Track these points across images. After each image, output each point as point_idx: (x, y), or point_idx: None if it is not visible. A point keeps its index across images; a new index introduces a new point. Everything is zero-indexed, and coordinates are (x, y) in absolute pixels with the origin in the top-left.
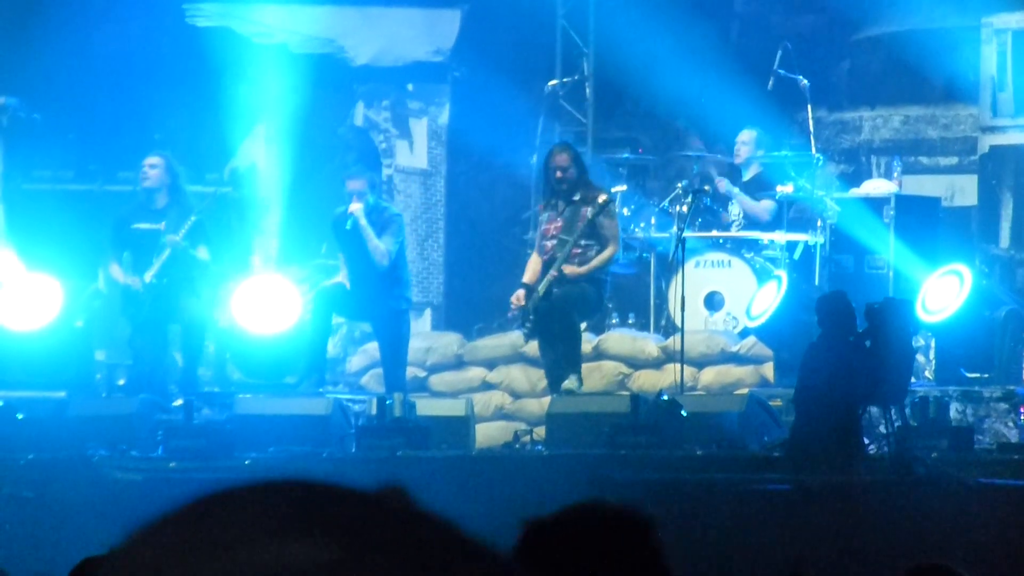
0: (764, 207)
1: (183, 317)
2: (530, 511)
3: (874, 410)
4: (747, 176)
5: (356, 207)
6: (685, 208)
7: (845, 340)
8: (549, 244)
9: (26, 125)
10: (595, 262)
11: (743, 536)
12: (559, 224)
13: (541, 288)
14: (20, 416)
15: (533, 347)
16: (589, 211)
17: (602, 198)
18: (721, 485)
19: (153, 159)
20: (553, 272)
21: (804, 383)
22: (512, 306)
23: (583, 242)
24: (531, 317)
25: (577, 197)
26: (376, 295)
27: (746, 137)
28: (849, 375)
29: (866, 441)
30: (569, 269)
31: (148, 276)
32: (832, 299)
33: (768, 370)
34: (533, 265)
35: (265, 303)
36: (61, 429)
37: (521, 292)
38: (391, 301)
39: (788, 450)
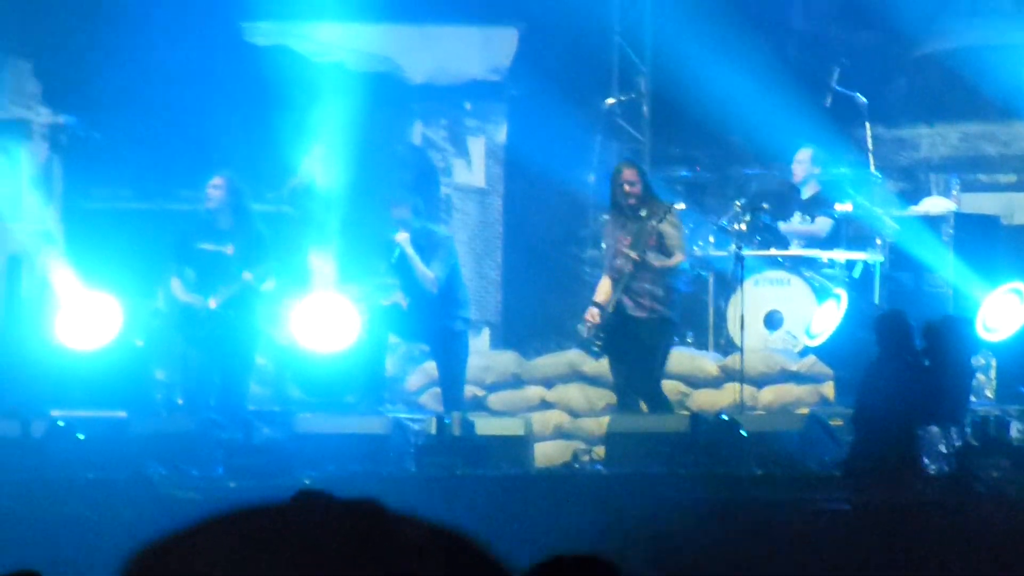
0: (820, 226)
1: (238, 345)
2: (588, 530)
3: (934, 429)
4: (806, 195)
5: (401, 237)
6: (744, 226)
7: (904, 359)
8: (618, 262)
9: (85, 144)
10: (663, 263)
11: (802, 556)
12: (628, 241)
13: (611, 306)
14: (80, 436)
15: (592, 366)
16: (655, 224)
17: (669, 212)
18: (780, 505)
19: (216, 180)
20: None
21: (863, 402)
22: (586, 324)
23: (651, 257)
24: (601, 335)
25: (644, 213)
26: (432, 316)
27: (802, 156)
28: (908, 394)
29: (926, 461)
30: (634, 256)
31: (213, 303)
32: (890, 318)
33: (828, 389)
34: (604, 285)
35: (323, 321)
36: (121, 448)
37: (595, 310)
38: (447, 321)
39: (847, 469)
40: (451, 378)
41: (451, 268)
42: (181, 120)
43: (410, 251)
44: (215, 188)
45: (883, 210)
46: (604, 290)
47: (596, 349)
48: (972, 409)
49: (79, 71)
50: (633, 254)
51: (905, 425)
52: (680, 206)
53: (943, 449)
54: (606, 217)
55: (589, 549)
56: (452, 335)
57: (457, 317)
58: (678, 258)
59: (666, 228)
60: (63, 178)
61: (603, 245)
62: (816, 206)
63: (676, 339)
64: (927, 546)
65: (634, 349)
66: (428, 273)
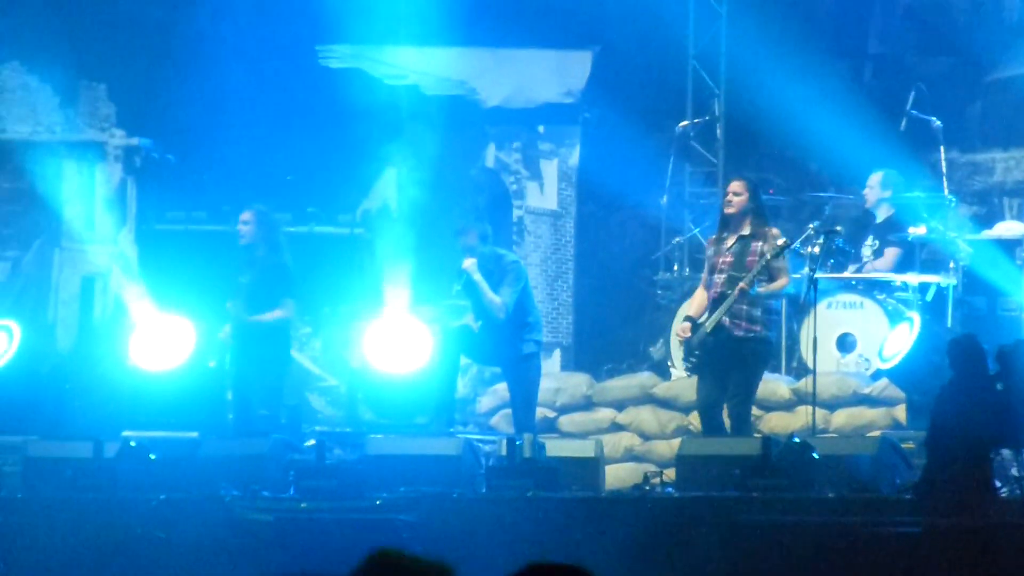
0: (887, 260)
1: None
2: (660, 553)
3: (1007, 453)
4: (879, 218)
5: (469, 263)
6: (817, 249)
7: (977, 383)
8: (719, 279)
9: (159, 166)
10: (769, 288)
11: None
12: (728, 259)
13: (710, 325)
14: (153, 456)
15: (663, 388)
16: (761, 247)
17: (781, 241)
18: (853, 528)
19: (245, 215)
20: (721, 315)
21: (936, 425)
22: (678, 338)
23: (755, 280)
24: (696, 352)
25: (747, 232)
26: (503, 339)
27: (874, 180)
28: (981, 418)
29: (997, 484)
30: (742, 285)
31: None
32: (963, 341)
33: (900, 412)
34: (699, 299)
35: (396, 343)
36: (193, 469)
37: (687, 325)
38: (519, 344)
39: (918, 493)
40: (522, 401)
41: (520, 292)
42: (256, 142)
43: (477, 277)
44: (243, 224)
45: (957, 234)
46: (698, 304)
47: (692, 363)
48: None
49: (154, 93)
50: (743, 283)
51: (978, 448)
52: None
53: (1015, 472)
54: (711, 237)
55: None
56: (523, 358)
57: (528, 340)
58: (783, 282)
59: (767, 248)
60: (137, 200)
61: (706, 256)
62: (889, 230)
63: (773, 360)
64: (998, 570)
65: (733, 369)
66: (496, 299)
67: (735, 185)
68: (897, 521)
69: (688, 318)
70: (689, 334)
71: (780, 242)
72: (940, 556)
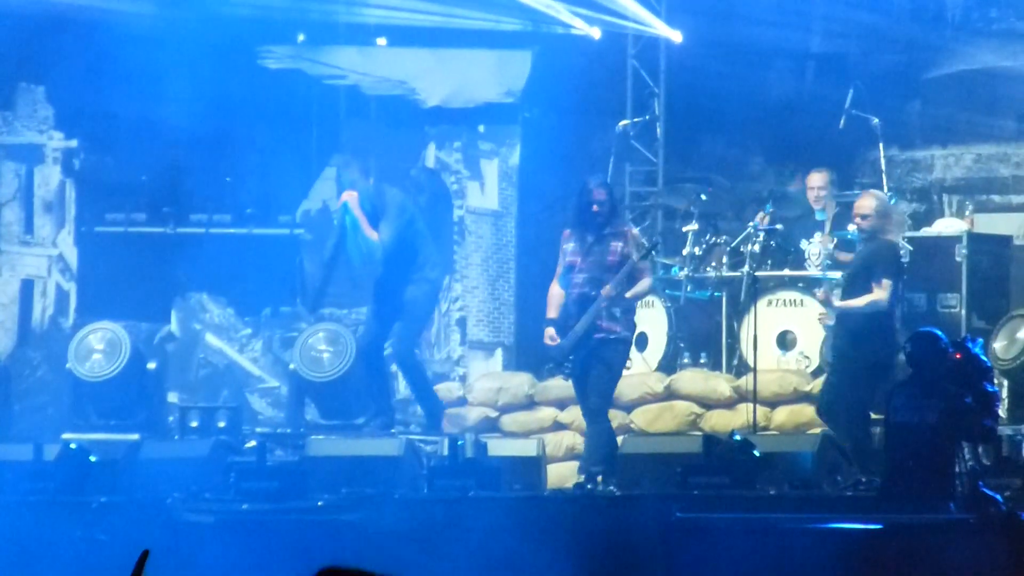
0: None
1: None
2: (602, 552)
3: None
4: (828, 218)
5: (349, 196)
6: (757, 247)
7: (937, 379)
8: (579, 278)
9: (98, 168)
10: (634, 290)
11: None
12: (589, 259)
13: (580, 328)
14: (93, 459)
15: None
16: (622, 247)
17: (644, 242)
18: (794, 525)
19: None
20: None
21: (896, 421)
22: (548, 344)
23: (619, 283)
24: (571, 357)
25: (607, 231)
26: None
27: (817, 179)
28: (942, 413)
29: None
30: (609, 289)
31: None
32: (923, 338)
33: None
34: (555, 298)
35: (322, 347)
36: (134, 472)
37: (552, 330)
38: (406, 284)
39: (884, 487)
40: (413, 329)
41: (404, 227)
42: (194, 144)
43: (357, 213)
44: None
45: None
46: (555, 303)
47: (568, 369)
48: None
49: (92, 95)
50: (610, 286)
51: (941, 444)
52: (693, 227)
53: (957, 468)
54: (567, 231)
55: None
56: (415, 295)
57: (418, 280)
58: (646, 283)
59: (631, 250)
60: (76, 202)
61: (561, 251)
62: (833, 228)
63: (682, 361)
64: (934, 565)
65: (594, 369)
66: (372, 234)
67: (598, 192)
68: (848, 517)
69: (550, 322)
70: (558, 340)
71: (644, 244)
72: (892, 551)
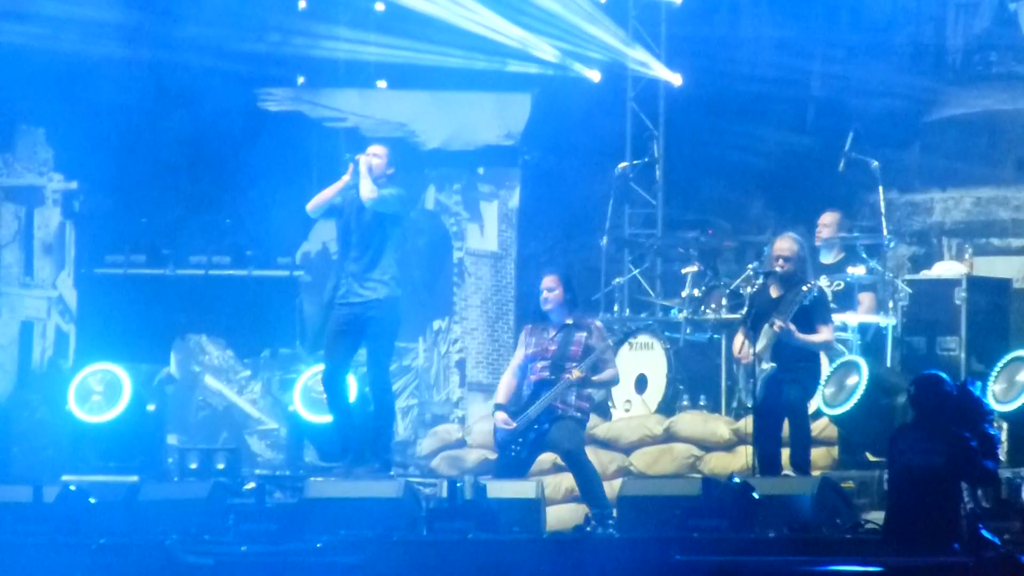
0: (868, 305)
1: None
2: None
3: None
4: (829, 260)
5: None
6: (756, 289)
7: (942, 422)
8: (539, 365)
9: (97, 210)
10: (600, 378)
11: None
12: (552, 348)
13: (536, 409)
14: (92, 500)
15: (603, 429)
16: (585, 338)
17: (611, 340)
18: (793, 568)
19: None
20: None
21: (900, 464)
22: (501, 427)
23: (582, 366)
24: (520, 440)
25: (570, 322)
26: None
27: (830, 219)
28: (947, 456)
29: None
30: (577, 373)
31: None
32: (932, 381)
33: (836, 451)
34: (507, 386)
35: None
36: (133, 513)
37: (506, 416)
38: (373, 290)
39: (888, 530)
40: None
41: (400, 204)
42: (194, 186)
43: (363, 170)
44: None
45: (896, 274)
46: (507, 391)
47: (515, 451)
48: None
49: (92, 137)
50: (578, 370)
51: (945, 486)
52: (693, 268)
53: (969, 507)
54: (528, 326)
55: None
56: (379, 303)
57: (381, 283)
58: (611, 373)
59: (594, 341)
60: (75, 244)
61: (522, 342)
62: (836, 270)
63: (681, 403)
64: None
65: (557, 433)
66: (372, 189)
67: (548, 280)
68: (848, 560)
69: (500, 407)
70: (512, 424)
71: (610, 341)
72: None
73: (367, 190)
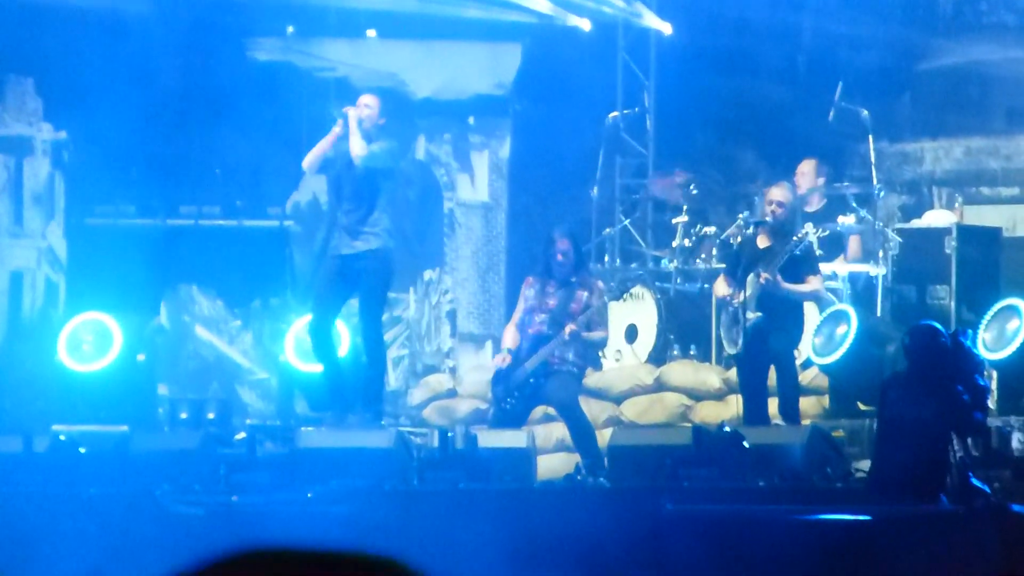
0: (855, 249)
1: None
2: (592, 543)
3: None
4: (811, 208)
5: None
6: (744, 238)
7: (936, 373)
8: (539, 318)
9: (87, 160)
10: (590, 336)
11: (801, 569)
12: (552, 303)
13: (533, 362)
14: (83, 451)
15: (594, 379)
16: (587, 296)
17: (607, 298)
18: (784, 517)
19: None
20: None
21: (890, 414)
22: (499, 365)
23: (581, 328)
24: (515, 392)
25: (573, 279)
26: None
27: (805, 167)
28: (938, 407)
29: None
30: (569, 328)
31: None
32: (928, 333)
33: (827, 400)
34: (511, 335)
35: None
36: (124, 464)
37: (507, 356)
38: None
39: (874, 479)
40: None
41: (389, 158)
42: (184, 136)
43: (352, 125)
44: None
45: (886, 223)
46: (511, 340)
47: (510, 404)
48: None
49: (80, 87)
50: (571, 326)
51: (941, 438)
52: (683, 219)
53: (959, 456)
54: (530, 278)
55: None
56: (371, 254)
57: (373, 235)
58: (603, 333)
59: (594, 300)
60: (65, 194)
61: (523, 295)
62: (819, 218)
63: (671, 353)
64: (928, 557)
65: (551, 386)
66: (361, 145)
67: (562, 244)
68: (838, 509)
69: (507, 350)
70: (509, 359)
71: (606, 298)
72: (890, 544)
73: (357, 146)
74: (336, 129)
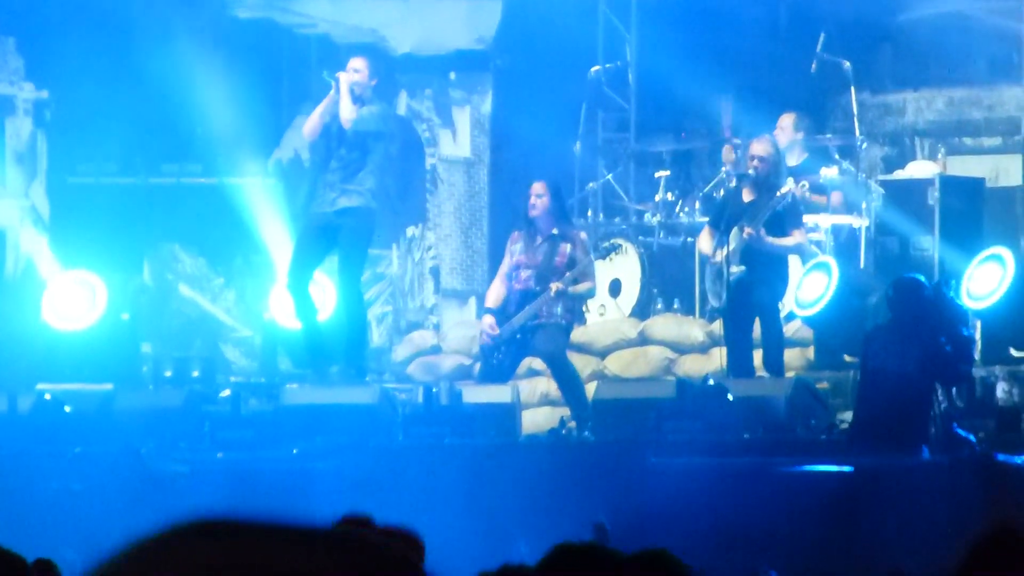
0: (837, 201)
1: None
2: (577, 497)
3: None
4: (792, 161)
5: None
6: (728, 192)
7: (919, 325)
8: (525, 274)
9: (69, 119)
10: (576, 289)
11: (786, 521)
12: (538, 258)
13: (520, 318)
14: (67, 409)
15: (578, 333)
16: (570, 250)
17: (583, 235)
18: (768, 469)
19: None
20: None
21: (873, 366)
22: (483, 335)
23: (567, 283)
24: (503, 348)
25: (556, 232)
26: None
27: (785, 121)
28: (921, 359)
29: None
30: (557, 285)
31: None
32: (911, 286)
33: (811, 352)
34: (496, 291)
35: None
36: (108, 422)
37: (492, 320)
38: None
39: (855, 431)
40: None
41: (381, 121)
42: (165, 94)
43: (343, 89)
44: None
45: (868, 175)
46: (496, 296)
47: (498, 360)
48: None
49: (62, 45)
50: (556, 284)
51: (923, 388)
52: (665, 173)
53: (943, 407)
54: (516, 232)
55: (577, 518)
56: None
57: (357, 193)
58: (588, 285)
59: (578, 253)
60: (47, 153)
61: (508, 250)
62: (800, 171)
63: (655, 306)
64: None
65: (539, 339)
66: (351, 110)
67: (537, 186)
68: (821, 460)
69: (488, 311)
70: (497, 331)
71: (591, 255)
72: (874, 495)
73: (346, 110)
74: (332, 94)
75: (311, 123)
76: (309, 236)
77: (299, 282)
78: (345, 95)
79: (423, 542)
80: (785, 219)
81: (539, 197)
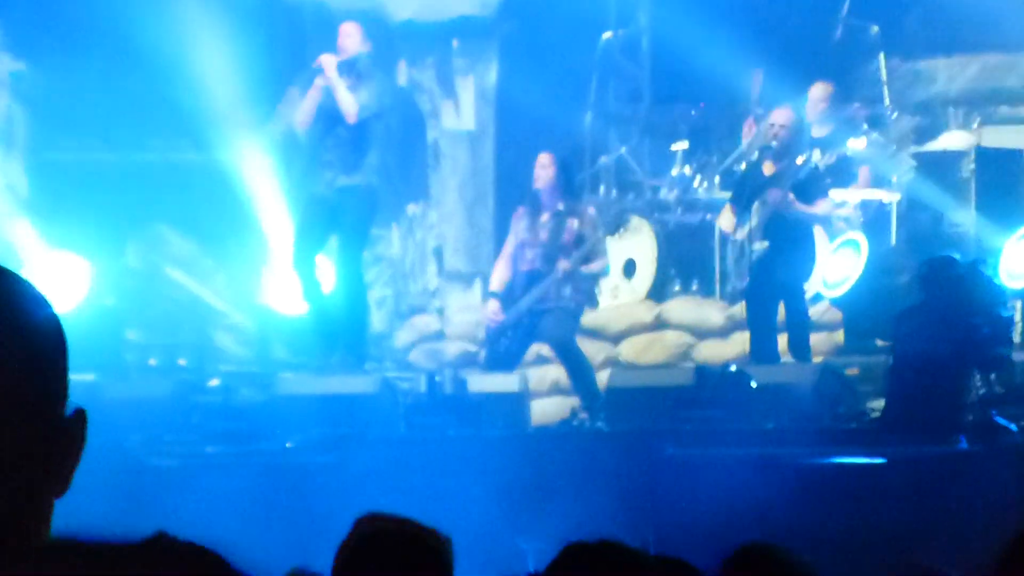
0: (865, 178)
1: None
2: (590, 491)
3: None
4: (819, 133)
5: (326, 59)
6: (749, 165)
7: (952, 306)
8: (531, 254)
9: (49, 92)
10: (588, 268)
11: (812, 515)
12: (543, 236)
13: (526, 301)
14: None
15: (590, 318)
16: (578, 225)
17: (592, 210)
18: (793, 460)
19: None
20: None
21: (904, 350)
22: (489, 320)
23: (576, 262)
24: (509, 332)
25: (561, 207)
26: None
27: (821, 93)
28: (955, 342)
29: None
30: (563, 265)
31: None
32: (945, 264)
33: (840, 336)
34: (501, 273)
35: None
36: (92, 413)
37: (497, 305)
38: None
39: (886, 420)
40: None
41: (379, 99)
42: (150, 64)
43: (331, 74)
44: None
45: (899, 147)
46: (501, 278)
47: (504, 345)
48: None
49: (41, 17)
50: (564, 264)
51: (956, 373)
52: (683, 145)
53: (971, 398)
54: (520, 209)
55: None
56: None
57: (357, 171)
58: (601, 263)
59: (587, 229)
60: (26, 128)
61: (512, 229)
62: (827, 144)
63: (672, 288)
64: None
65: (546, 323)
66: (348, 99)
67: (543, 157)
68: (851, 451)
69: (492, 294)
70: (502, 317)
71: (591, 211)
72: (907, 486)
73: (347, 104)
74: (318, 81)
75: (303, 114)
76: (311, 216)
77: (305, 263)
78: (338, 85)
79: (450, 540)
80: (809, 188)
81: (544, 168)
